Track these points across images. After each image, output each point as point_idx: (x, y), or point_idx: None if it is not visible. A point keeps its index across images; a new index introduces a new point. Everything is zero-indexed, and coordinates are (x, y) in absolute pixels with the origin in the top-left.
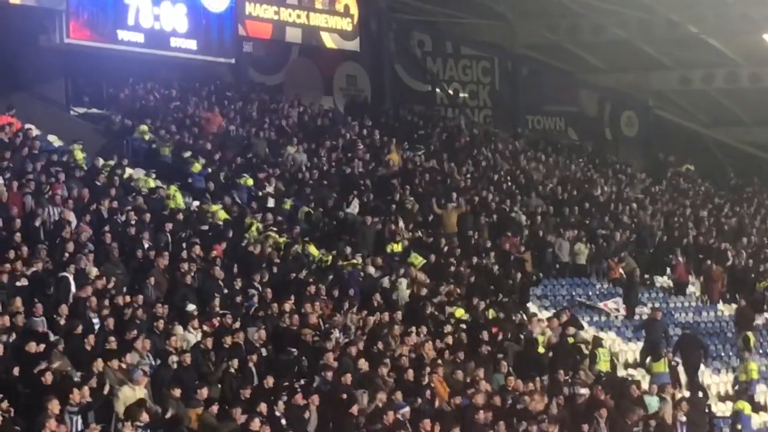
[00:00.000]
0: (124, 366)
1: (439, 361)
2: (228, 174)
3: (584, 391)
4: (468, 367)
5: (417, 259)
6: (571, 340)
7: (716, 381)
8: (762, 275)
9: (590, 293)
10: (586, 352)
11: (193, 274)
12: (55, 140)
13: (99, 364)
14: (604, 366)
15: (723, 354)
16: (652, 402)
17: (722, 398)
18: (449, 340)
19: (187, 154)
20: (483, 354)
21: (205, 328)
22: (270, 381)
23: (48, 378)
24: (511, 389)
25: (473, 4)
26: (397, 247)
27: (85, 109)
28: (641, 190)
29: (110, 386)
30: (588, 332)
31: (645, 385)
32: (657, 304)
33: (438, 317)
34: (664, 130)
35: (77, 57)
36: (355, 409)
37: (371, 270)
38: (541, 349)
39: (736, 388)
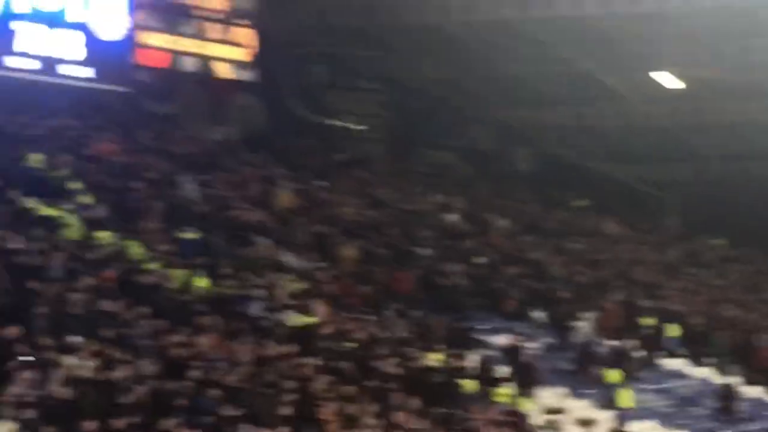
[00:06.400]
0: None
1: (331, 395)
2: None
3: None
4: (359, 401)
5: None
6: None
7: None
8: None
9: (481, 327)
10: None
11: (81, 304)
12: None
13: None
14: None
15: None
16: None
17: None
18: (341, 372)
19: (77, 184)
20: (372, 387)
21: (92, 360)
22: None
23: None
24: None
25: (370, 38)
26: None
27: None
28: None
29: None
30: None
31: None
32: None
33: (331, 349)
34: (559, 165)
35: None
36: None
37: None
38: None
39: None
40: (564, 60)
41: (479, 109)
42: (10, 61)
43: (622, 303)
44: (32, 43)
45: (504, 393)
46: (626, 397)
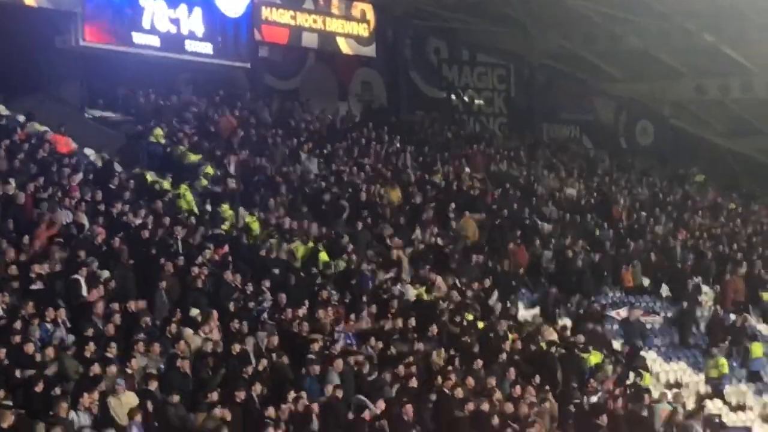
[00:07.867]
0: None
1: (450, 368)
2: (240, 179)
3: (594, 399)
4: (479, 374)
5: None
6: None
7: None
8: None
9: (603, 302)
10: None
11: (203, 278)
12: (92, 155)
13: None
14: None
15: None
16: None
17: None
18: (461, 345)
19: (197, 157)
20: (492, 360)
21: (214, 333)
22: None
23: (40, 385)
24: (518, 397)
25: (490, 11)
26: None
27: (99, 111)
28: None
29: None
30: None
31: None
32: (670, 314)
33: (451, 322)
34: (679, 139)
35: (93, 59)
36: (367, 415)
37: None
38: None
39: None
40: (687, 32)
41: (600, 82)
42: (137, 38)
43: (744, 276)
44: (158, 20)
45: (625, 366)
46: (725, 366)
